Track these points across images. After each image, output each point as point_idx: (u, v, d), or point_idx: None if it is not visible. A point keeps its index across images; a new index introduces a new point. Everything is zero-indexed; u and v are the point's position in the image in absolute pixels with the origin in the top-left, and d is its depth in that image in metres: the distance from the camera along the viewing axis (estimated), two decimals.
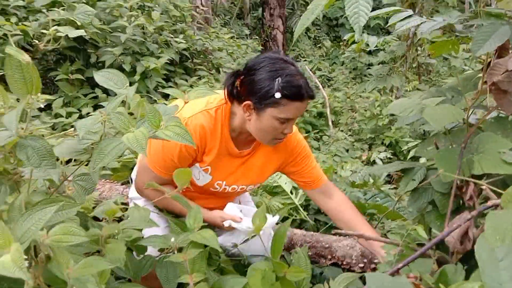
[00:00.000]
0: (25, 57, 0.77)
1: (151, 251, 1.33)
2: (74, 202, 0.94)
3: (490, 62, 1.32)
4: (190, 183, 1.52)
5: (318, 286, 1.39)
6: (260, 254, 1.64)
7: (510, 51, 1.19)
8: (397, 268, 1.23)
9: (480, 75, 1.98)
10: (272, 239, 1.37)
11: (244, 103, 1.47)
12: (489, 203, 1.16)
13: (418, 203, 1.64)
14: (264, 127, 1.48)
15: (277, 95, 1.40)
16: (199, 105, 1.53)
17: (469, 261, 1.42)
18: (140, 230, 1.24)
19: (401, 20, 1.75)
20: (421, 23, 1.72)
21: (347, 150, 4.52)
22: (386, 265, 1.44)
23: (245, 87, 1.47)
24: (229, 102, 1.53)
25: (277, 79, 1.41)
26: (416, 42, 5.25)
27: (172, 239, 1.28)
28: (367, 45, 5.35)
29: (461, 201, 1.51)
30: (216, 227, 1.62)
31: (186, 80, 4.30)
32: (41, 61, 3.41)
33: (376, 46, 5.56)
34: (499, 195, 1.22)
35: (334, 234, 1.53)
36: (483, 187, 1.22)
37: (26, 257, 0.67)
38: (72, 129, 1.00)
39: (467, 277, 1.27)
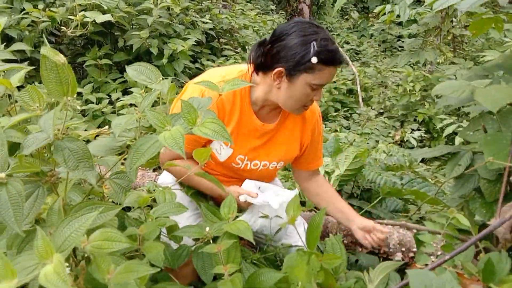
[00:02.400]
0: (60, 58, 0.74)
1: (186, 239, 1.32)
2: (111, 202, 0.93)
3: None
4: (212, 158, 1.52)
5: (356, 273, 1.35)
6: (293, 244, 1.62)
7: None
8: (442, 261, 1.17)
9: None
10: (307, 229, 1.33)
11: (275, 70, 1.42)
12: None
13: (463, 189, 1.57)
14: (296, 94, 1.44)
15: (314, 59, 1.35)
16: (216, 77, 1.49)
17: None
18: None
19: None
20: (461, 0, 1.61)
21: (377, 129, 4.40)
22: (426, 257, 1.38)
23: (275, 54, 1.42)
24: (252, 73, 1.51)
25: (312, 43, 1.36)
26: (451, 13, 5.01)
27: (207, 229, 1.26)
28: (398, 16, 5.13)
29: (503, 189, 1.43)
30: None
31: (213, 61, 4.23)
32: (69, 46, 3.42)
33: (408, 17, 5.32)
34: None
35: (377, 223, 1.49)
36: None
37: (67, 264, 0.66)
38: (107, 127, 0.97)
39: None
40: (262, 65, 1.46)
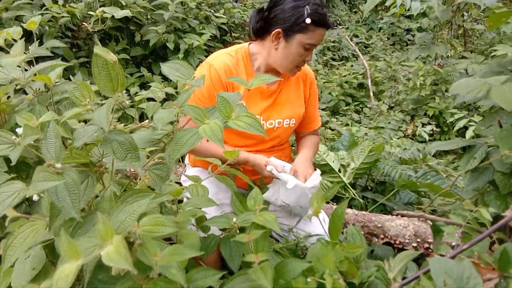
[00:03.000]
0: (112, 56, 0.80)
1: (214, 230, 1.38)
2: (153, 190, 0.99)
3: None
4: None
5: (376, 262, 1.41)
6: (316, 234, 1.67)
7: None
8: (461, 250, 1.23)
9: None
10: (330, 220, 1.39)
11: (274, 31, 1.62)
12: None
13: (477, 182, 1.62)
14: (291, 53, 1.64)
15: (308, 20, 1.56)
16: (219, 53, 1.75)
17: None
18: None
19: None
20: None
21: (389, 122, 4.43)
22: (445, 246, 1.44)
23: (272, 18, 1.62)
24: (254, 40, 1.73)
25: (305, 7, 1.57)
26: (462, 7, 5.01)
27: (234, 219, 1.32)
28: (408, 9, 5.14)
29: None
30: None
31: None
32: (86, 41, 3.48)
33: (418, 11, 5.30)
34: None
35: (396, 215, 1.55)
36: None
37: None
38: (147, 121, 1.03)
39: None
40: (261, 29, 1.67)
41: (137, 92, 3.02)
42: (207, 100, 1.65)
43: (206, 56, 4.00)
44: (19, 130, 0.79)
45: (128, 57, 3.46)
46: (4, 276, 1.01)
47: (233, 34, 4.55)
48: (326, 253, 1.21)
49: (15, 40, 1.27)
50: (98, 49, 0.80)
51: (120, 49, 3.41)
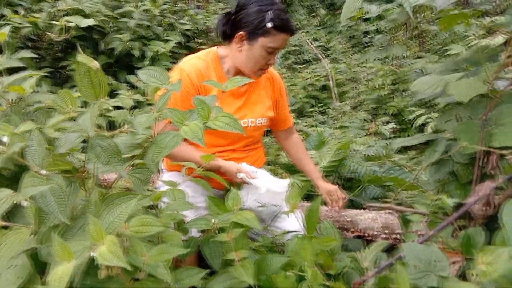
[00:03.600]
0: (95, 64, 0.82)
1: (193, 232, 1.41)
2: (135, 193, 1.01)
3: (509, 38, 1.37)
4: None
5: (349, 253, 1.48)
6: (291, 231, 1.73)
7: None
8: (429, 236, 1.31)
9: (492, 45, 2.02)
10: (306, 215, 1.45)
11: (238, 33, 1.68)
12: None
13: (439, 173, 1.72)
14: (254, 55, 1.70)
15: (269, 25, 1.63)
16: (189, 57, 1.80)
17: (488, 226, 1.51)
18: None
19: None
20: None
21: (352, 122, 4.57)
22: (414, 235, 1.53)
23: (238, 21, 1.69)
24: (221, 43, 1.79)
25: (268, 12, 1.64)
26: (417, 9, 5.24)
27: (213, 220, 1.36)
28: (366, 13, 5.32)
29: (476, 171, 1.59)
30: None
31: None
32: (48, 51, 3.41)
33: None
34: None
35: (365, 208, 1.62)
36: (508, 157, 1.29)
37: None
38: (126, 126, 1.05)
39: (488, 239, 1.36)
40: (228, 32, 1.73)
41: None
42: (181, 104, 1.68)
43: (172, 63, 4.03)
44: (4, 139, 0.80)
45: None
46: None
47: (197, 40, 4.57)
48: (304, 247, 1.26)
49: None
50: (81, 56, 0.82)
51: None
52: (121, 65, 3.62)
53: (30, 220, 0.98)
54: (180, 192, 1.43)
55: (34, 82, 1.29)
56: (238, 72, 1.78)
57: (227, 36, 1.75)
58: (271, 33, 1.65)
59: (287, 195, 1.46)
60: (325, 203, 2.01)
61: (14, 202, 0.76)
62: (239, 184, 1.78)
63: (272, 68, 1.92)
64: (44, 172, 0.82)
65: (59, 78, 3.36)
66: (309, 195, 2.31)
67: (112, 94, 3.09)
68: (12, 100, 1.24)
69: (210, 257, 1.35)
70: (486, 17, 5.23)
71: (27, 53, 1.42)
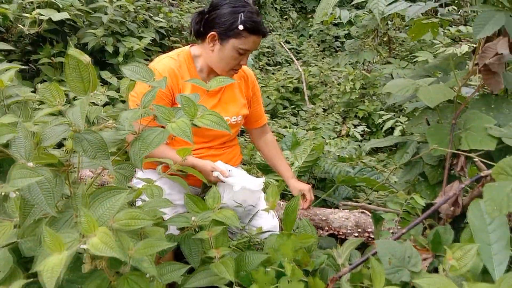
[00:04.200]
0: (85, 58, 0.82)
1: (172, 230, 1.42)
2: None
3: (477, 47, 1.45)
4: None
5: (325, 250, 1.52)
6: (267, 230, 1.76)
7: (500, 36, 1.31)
8: (401, 233, 1.37)
9: (459, 54, 2.13)
10: (284, 213, 1.48)
11: (210, 33, 1.70)
12: (482, 173, 1.30)
13: (409, 175, 1.79)
14: (225, 56, 1.72)
15: (241, 27, 1.65)
16: (162, 57, 1.81)
17: (455, 224, 1.59)
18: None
19: (389, 4, 1.87)
20: (408, 6, 1.86)
21: (324, 124, 4.65)
22: (387, 232, 1.60)
23: (211, 21, 1.71)
24: (195, 42, 1.82)
25: (240, 14, 1.66)
26: (387, 16, 5.40)
27: (193, 218, 1.37)
28: (338, 17, 5.43)
29: (446, 172, 1.67)
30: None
31: None
32: (17, 44, 3.31)
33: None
34: (488, 166, 1.38)
35: (338, 207, 1.67)
36: (475, 159, 1.37)
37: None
38: (110, 121, 1.05)
39: (456, 236, 1.44)
40: (200, 31, 1.75)
41: (75, 97, 2.93)
42: (154, 103, 1.68)
43: (146, 60, 3.99)
44: None
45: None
46: None
47: (171, 38, 4.54)
48: (283, 243, 1.30)
49: None
50: (72, 50, 0.82)
51: (56, 52, 3.29)
52: (94, 61, 3.55)
53: (12, 214, 0.97)
54: (158, 189, 1.43)
55: (12, 75, 1.27)
56: (211, 71, 1.80)
57: (200, 35, 1.77)
58: (243, 35, 1.68)
59: (265, 194, 1.49)
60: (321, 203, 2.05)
61: (2, 194, 0.75)
62: (215, 183, 1.79)
63: (246, 67, 1.95)
64: (30, 164, 0.82)
65: (28, 72, 3.27)
66: (284, 194, 2.35)
67: None
68: None
69: (189, 254, 1.36)
70: (451, 27, 5.45)
71: (4, 45, 1.39)
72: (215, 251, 1.27)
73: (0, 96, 1.23)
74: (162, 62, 1.76)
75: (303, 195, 1.98)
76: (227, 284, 1.27)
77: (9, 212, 0.95)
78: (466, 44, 4.62)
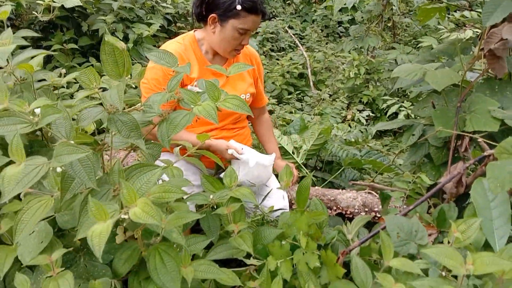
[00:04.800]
0: (121, 44, 0.89)
1: (190, 208, 1.50)
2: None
3: (482, 32, 1.51)
4: None
5: (338, 227, 1.60)
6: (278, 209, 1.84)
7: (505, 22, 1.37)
8: (408, 210, 1.45)
9: (464, 39, 2.18)
10: (297, 191, 1.56)
11: (210, 16, 1.76)
12: (486, 153, 1.37)
13: (415, 156, 1.86)
14: (226, 37, 1.78)
15: (238, 7, 1.71)
16: (169, 42, 1.89)
17: (458, 203, 1.67)
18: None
19: None
20: None
21: (332, 109, 4.71)
22: (395, 209, 1.68)
23: (210, 3, 1.76)
24: (197, 26, 1.89)
25: None
26: (391, 1, 5.41)
27: (211, 196, 1.45)
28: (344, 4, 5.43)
29: (451, 153, 1.74)
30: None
31: None
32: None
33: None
34: (491, 147, 1.45)
35: (352, 184, 1.75)
36: (479, 140, 1.44)
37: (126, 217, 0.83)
38: (139, 104, 1.12)
39: (459, 214, 1.52)
40: (201, 14, 1.81)
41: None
42: (163, 87, 1.75)
43: (155, 46, 4.05)
44: (37, 111, 0.86)
45: (77, 47, 3.40)
46: (7, 253, 1.07)
47: (177, 24, 4.58)
48: (297, 219, 1.38)
49: None
50: (108, 37, 0.89)
51: (68, 39, 3.34)
52: None
53: (51, 189, 1.05)
54: (177, 170, 1.51)
55: (41, 60, 1.34)
56: (216, 53, 1.87)
57: (201, 18, 1.83)
58: (241, 15, 1.73)
59: (281, 173, 1.57)
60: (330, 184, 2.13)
61: (50, 169, 0.83)
62: (229, 162, 1.88)
63: (251, 47, 2.02)
64: (71, 142, 0.89)
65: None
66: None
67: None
68: (20, 78, 1.29)
69: (208, 230, 1.44)
70: (456, 12, 5.47)
71: (27, 32, 1.46)
72: (234, 225, 1.35)
73: (30, 80, 1.30)
74: (169, 48, 1.82)
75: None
76: (245, 257, 1.36)
77: (49, 188, 1.03)
78: (470, 29, 4.65)
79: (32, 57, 1.38)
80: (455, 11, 5.24)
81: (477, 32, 3.95)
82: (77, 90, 3.00)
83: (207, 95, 1.10)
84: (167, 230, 1.01)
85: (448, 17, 5.28)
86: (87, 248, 1.14)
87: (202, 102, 1.06)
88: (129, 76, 0.95)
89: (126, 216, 0.82)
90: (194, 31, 1.91)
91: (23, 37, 1.42)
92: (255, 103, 2.15)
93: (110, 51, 0.92)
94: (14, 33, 1.33)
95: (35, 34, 1.40)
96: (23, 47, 1.48)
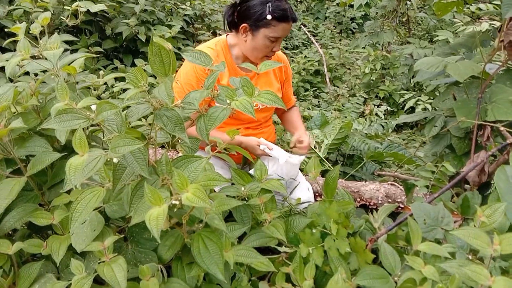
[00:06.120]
0: (167, 45, 0.97)
1: None
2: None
3: (502, 24, 1.55)
4: None
5: (365, 216, 1.66)
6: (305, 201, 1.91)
7: None
8: (433, 197, 1.50)
9: (481, 32, 2.21)
10: (325, 182, 1.62)
11: (242, 25, 1.81)
12: (508, 141, 1.42)
13: (437, 147, 1.91)
14: (257, 45, 1.83)
15: (269, 17, 1.75)
16: (201, 46, 1.94)
17: (480, 192, 1.72)
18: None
19: None
20: None
21: (350, 105, 4.76)
22: (420, 197, 1.73)
23: (242, 13, 1.81)
24: (229, 31, 1.92)
25: (268, 4, 1.76)
26: None
27: (242, 188, 1.52)
28: None
29: (473, 143, 1.78)
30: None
31: (187, 45, 4.43)
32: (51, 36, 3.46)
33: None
34: None
35: (378, 175, 1.81)
36: (501, 129, 1.49)
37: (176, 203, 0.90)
38: (179, 101, 1.19)
39: (482, 202, 1.56)
40: (233, 23, 1.87)
41: (113, 84, 3.11)
42: (198, 87, 1.82)
43: (174, 47, 4.14)
44: (93, 107, 0.94)
45: (102, 50, 3.52)
46: (60, 242, 1.16)
47: (195, 26, 4.67)
48: (327, 208, 1.44)
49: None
50: (157, 39, 0.97)
51: (93, 42, 3.46)
52: (126, 50, 3.72)
53: (101, 181, 1.13)
54: (209, 164, 1.58)
55: (82, 63, 1.43)
56: (246, 58, 1.93)
57: (233, 26, 1.88)
58: (272, 24, 1.77)
59: (309, 164, 1.64)
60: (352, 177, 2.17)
61: (109, 159, 0.91)
62: (258, 158, 1.94)
63: (280, 52, 2.06)
64: (126, 135, 0.97)
65: None
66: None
67: (120, 78, 3.20)
68: (64, 79, 1.38)
69: (240, 220, 1.51)
70: (471, 5, 5.45)
71: (66, 37, 1.55)
72: (266, 215, 1.42)
73: (73, 81, 1.39)
74: None
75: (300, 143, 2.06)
76: (277, 245, 1.42)
77: (100, 180, 1.11)
78: (486, 21, 4.65)
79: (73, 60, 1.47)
80: (471, 4, 5.23)
81: (493, 24, 3.95)
82: (104, 92, 3.11)
83: (242, 91, 1.16)
84: (209, 217, 1.08)
85: (464, 11, 5.27)
86: (133, 236, 1.22)
87: (239, 97, 1.13)
88: (174, 75, 1.02)
89: (176, 202, 0.90)
90: (227, 35, 1.97)
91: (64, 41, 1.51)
92: (287, 104, 2.19)
93: (157, 51, 1.00)
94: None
95: (75, 38, 1.49)
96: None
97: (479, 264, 1.17)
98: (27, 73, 1.44)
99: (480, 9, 5.19)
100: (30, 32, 1.50)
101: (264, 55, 1.89)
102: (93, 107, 0.94)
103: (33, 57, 1.33)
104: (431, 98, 4.26)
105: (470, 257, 1.29)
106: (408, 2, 5.91)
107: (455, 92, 1.91)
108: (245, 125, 2.03)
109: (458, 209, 1.60)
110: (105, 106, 0.92)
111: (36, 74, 1.49)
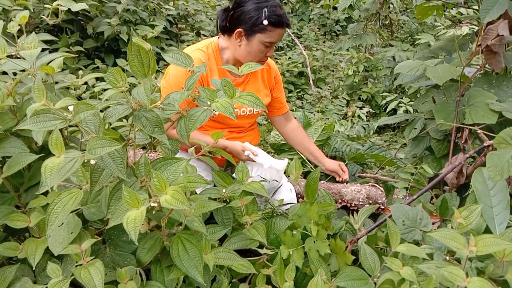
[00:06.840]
0: (147, 45, 0.96)
1: None
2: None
3: (480, 29, 1.58)
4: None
5: (345, 218, 1.67)
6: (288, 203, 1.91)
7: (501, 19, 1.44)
8: (412, 199, 1.52)
9: (461, 35, 2.25)
10: (306, 184, 1.63)
11: (236, 30, 1.79)
12: (485, 143, 1.45)
13: (417, 149, 1.94)
14: (252, 50, 1.82)
15: (265, 22, 1.74)
16: (190, 49, 1.91)
17: (459, 194, 1.74)
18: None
19: None
20: None
21: (333, 107, 4.79)
22: (400, 199, 1.75)
23: (235, 18, 1.79)
24: (222, 35, 1.89)
25: (264, 9, 1.75)
26: (388, 0, 5.49)
27: (224, 190, 1.52)
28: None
29: (451, 145, 1.82)
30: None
31: (171, 45, 4.40)
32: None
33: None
34: (490, 138, 1.52)
35: (358, 177, 1.82)
36: (478, 131, 1.51)
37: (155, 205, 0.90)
38: (159, 102, 1.19)
39: (460, 204, 1.59)
40: (226, 27, 1.84)
41: (94, 84, 3.08)
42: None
43: (158, 47, 4.12)
44: (70, 108, 0.93)
45: (83, 50, 3.47)
46: (37, 245, 1.14)
47: (178, 26, 4.65)
48: (307, 209, 1.45)
49: None
50: (136, 39, 0.96)
51: (74, 41, 3.41)
52: (108, 49, 3.68)
53: (78, 182, 1.12)
54: (191, 166, 1.58)
55: (61, 62, 1.40)
56: (237, 62, 1.90)
57: (226, 30, 1.85)
58: (268, 29, 1.75)
59: (290, 166, 1.64)
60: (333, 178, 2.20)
61: (85, 161, 0.90)
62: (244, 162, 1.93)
63: (269, 59, 2.03)
64: (104, 137, 0.96)
65: None
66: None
67: (100, 77, 3.16)
68: (42, 79, 1.35)
69: (221, 222, 1.51)
70: (452, 9, 5.55)
71: (45, 36, 1.53)
72: (248, 217, 1.42)
73: (52, 81, 1.37)
74: (193, 55, 1.83)
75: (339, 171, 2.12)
76: (258, 247, 1.42)
77: (77, 181, 1.10)
78: (466, 25, 4.73)
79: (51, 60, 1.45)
80: (452, 8, 5.32)
81: (473, 28, 4.02)
82: (84, 92, 3.07)
83: (223, 93, 1.16)
84: (189, 219, 1.07)
85: (445, 14, 5.36)
86: (111, 239, 1.21)
87: (220, 99, 1.13)
88: (153, 75, 1.01)
89: (155, 204, 0.89)
90: (218, 37, 1.93)
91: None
92: (275, 111, 2.17)
93: (136, 52, 0.99)
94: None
95: (53, 38, 1.47)
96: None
97: (456, 265, 1.19)
98: (4, 73, 1.41)
99: (460, 14, 5.29)
100: (8, 30, 1.47)
101: (258, 60, 1.87)
102: (71, 108, 0.93)
103: (10, 56, 1.31)
104: (413, 100, 4.32)
105: (447, 258, 1.31)
106: (391, 6, 5.99)
107: (434, 95, 1.94)
108: (230, 128, 2.02)
109: (437, 211, 1.63)
110: (82, 106, 0.91)
111: (15, 74, 1.46)
